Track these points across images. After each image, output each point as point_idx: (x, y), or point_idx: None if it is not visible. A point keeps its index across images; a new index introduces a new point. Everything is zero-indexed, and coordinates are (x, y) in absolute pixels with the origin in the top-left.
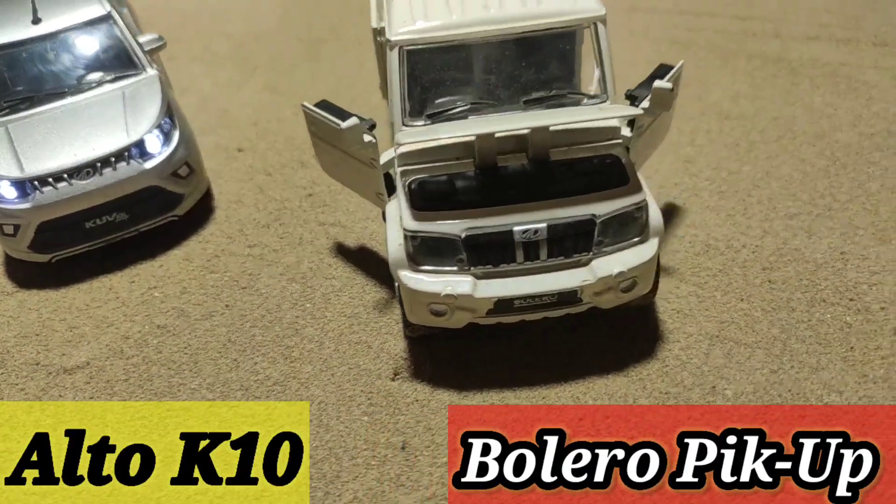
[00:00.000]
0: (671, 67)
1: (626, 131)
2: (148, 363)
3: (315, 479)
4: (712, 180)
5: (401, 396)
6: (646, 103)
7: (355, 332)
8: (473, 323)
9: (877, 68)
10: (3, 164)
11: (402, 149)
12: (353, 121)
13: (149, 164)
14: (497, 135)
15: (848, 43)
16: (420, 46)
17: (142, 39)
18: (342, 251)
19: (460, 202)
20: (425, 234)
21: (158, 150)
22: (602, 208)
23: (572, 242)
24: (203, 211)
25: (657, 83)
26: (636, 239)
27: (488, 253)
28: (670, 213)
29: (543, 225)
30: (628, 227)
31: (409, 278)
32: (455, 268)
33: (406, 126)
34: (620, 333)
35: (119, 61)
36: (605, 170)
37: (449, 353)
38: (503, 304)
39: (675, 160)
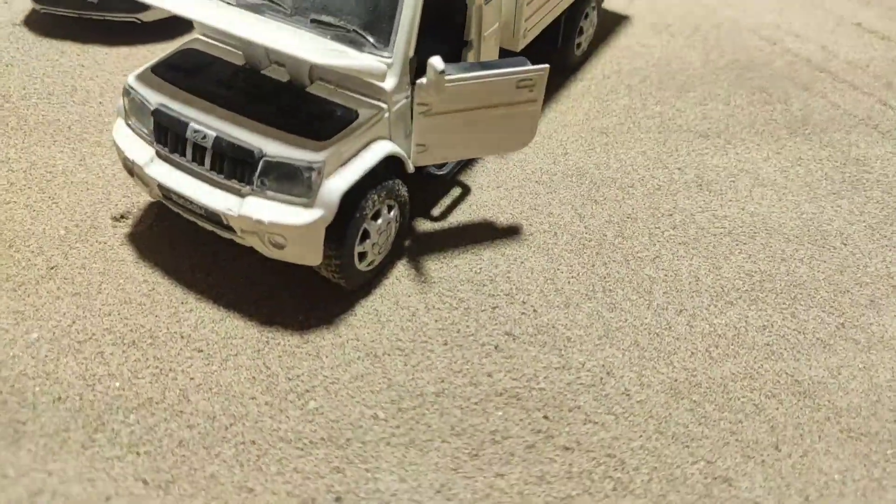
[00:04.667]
0: (521, 63)
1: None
2: (8, 112)
3: None
4: (590, 231)
5: (100, 235)
6: (423, 79)
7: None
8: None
9: None
10: None
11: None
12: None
13: None
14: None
15: None
16: None
17: None
18: None
19: (185, 82)
20: (135, 93)
21: None
22: (272, 148)
23: (233, 166)
24: (177, 28)
25: (432, 59)
26: (300, 199)
27: (167, 136)
28: (505, 233)
29: (213, 133)
30: (293, 181)
31: (117, 127)
32: (146, 136)
33: None
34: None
35: None
36: (326, 119)
37: (175, 220)
38: (166, 192)
39: (585, 193)
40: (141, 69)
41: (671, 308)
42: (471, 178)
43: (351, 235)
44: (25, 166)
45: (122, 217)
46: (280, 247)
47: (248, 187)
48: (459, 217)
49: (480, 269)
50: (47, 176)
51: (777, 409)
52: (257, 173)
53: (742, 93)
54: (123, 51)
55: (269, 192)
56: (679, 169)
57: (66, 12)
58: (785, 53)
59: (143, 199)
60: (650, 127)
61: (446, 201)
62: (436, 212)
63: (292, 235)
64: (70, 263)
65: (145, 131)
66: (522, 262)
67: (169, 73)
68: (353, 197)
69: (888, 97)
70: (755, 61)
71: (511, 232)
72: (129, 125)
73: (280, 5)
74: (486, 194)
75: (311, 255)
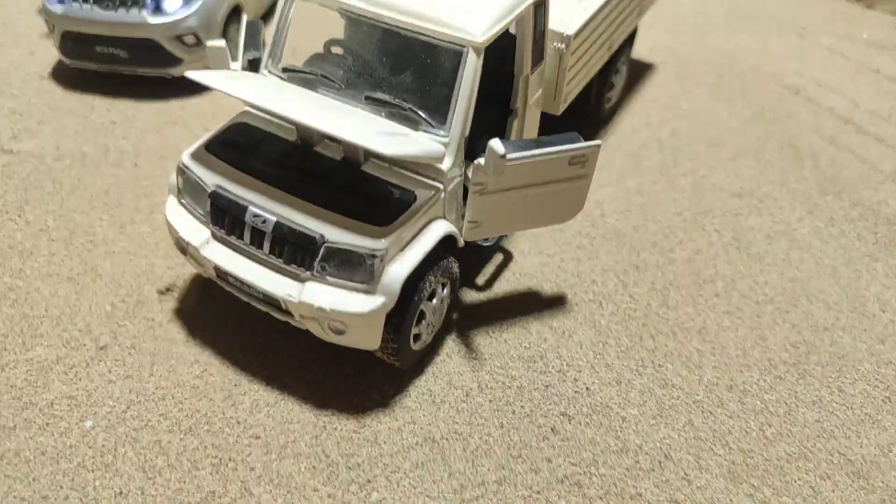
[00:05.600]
0: (575, 139)
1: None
2: (48, 174)
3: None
4: (636, 301)
5: (147, 310)
6: (481, 159)
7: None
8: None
9: None
10: None
11: (192, 75)
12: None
13: (153, 20)
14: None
15: None
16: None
17: None
18: None
19: (240, 160)
20: (190, 173)
21: (172, 11)
22: (334, 234)
23: (294, 251)
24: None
25: (492, 142)
26: (361, 286)
27: (224, 219)
28: (550, 304)
29: (273, 218)
30: (354, 268)
31: (169, 206)
32: (202, 217)
33: (266, 70)
34: (347, 371)
35: None
36: (385, 203)
37: (223, 295)
38: (222, 274)
39: (626, 259)
40: (194, 147)
41: (721, 384)
42: (512, 243)
43: (409, 319)
44: (65, 235)
45: (167, 290)
46: (340, 332)
47: (307, 272)
48: (504, 286)
49: (529, 343)
50: (88, 245)
51: (833, 491)
52: (318, 259)
53: (771, 148)
54: (154, 106)
55: (330, 278)
56: (716, 231)
57: (96, 67)
58: (808, 103)
59: (188, 270)
60: (684, 186)
61: (489, 269)
62: (480, 280)
63: (354, 322)
64: (120, 343)
65: (200, 212)
66: (570, 336)
67: (223, 151)
68: (412, 279)
69: None
70: (780, 113)
71: (556, 302)
72: (182, 204)
73: (334, 81)
74: (528, 261)
75: (370, 340)
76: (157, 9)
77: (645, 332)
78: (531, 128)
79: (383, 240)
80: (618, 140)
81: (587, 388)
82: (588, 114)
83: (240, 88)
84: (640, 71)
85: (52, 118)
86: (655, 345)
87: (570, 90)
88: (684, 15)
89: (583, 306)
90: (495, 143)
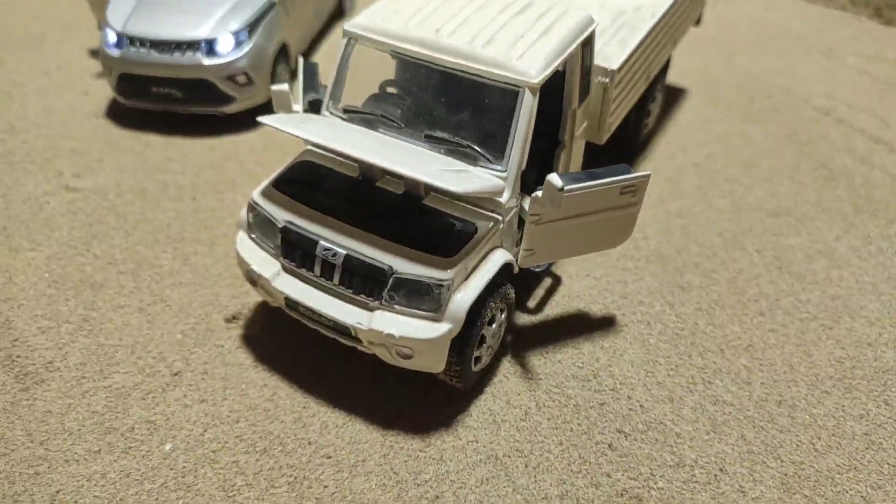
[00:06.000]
0: (627, 171)
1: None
2: (110, 210)
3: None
4: (682, 320)
5: (216, 337)
6: (539, 192)
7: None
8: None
9: None
10: (118, 16)
11: (264, 120)
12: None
13: (207, 62)
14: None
15: None
16: (366, 44)
17: None
18: None
19: (308, 196)
20: (260, 209)
21: (225, 53)
22: (402, 266)
23: (363, 282)
24: (248, 117)
25: (551, 176)
26: (428, 313)
27: (295, 252)
28: (600, 324)
29: (343, 252)
30: (422, 297)
31: (240, 240)
32: (272, 250)
33: (328, 111)
34: (419, 392)
35: None
36: (449, 235)
37: (286, 321)
38: (292, 304)
39: (671, 280)
40: (264, 185)
41: (771, 399)
42: (560, 268)
43: (471, 343)
44: (133, 267)
45: (233, 318)
46: (407, 357)
47: (376, 301)
48: (555, 308)
49: (583, 363)
50: (155, 277)
51: (884, 501)
52: (387, 289)
53: (805, 168)
54: (207, 142)
55: (398, 306)
56: (757, 251)
57: (151, 106)
58: (839, 124)
59: (252, 299)
60: (722, 207)
61: (539, 292)
62: (531, 304)
63: (421, 348)
64: (192, 369)
65: (270, 246)
66: (621, 355)
67: (290, 188)
68: (474, 306)
69: None
70: (812, 134)
71: (606, 323)
72: (252, 238)
73: (394, 121)
74: (577, 283)
75: (436, 364)
76: (211, 51)
77: (693, 351)
78: (576, 157)
79: (450, 271)
80: (655, 165)
81: (641, 406)
82: (626, 140)
83: (310, 131)
84: (673, 95)
85: (110, 156)
86: (704, 362)
87: (613, 120)
88: (712, 37)
89: (632, 326)
90: (554, 178)
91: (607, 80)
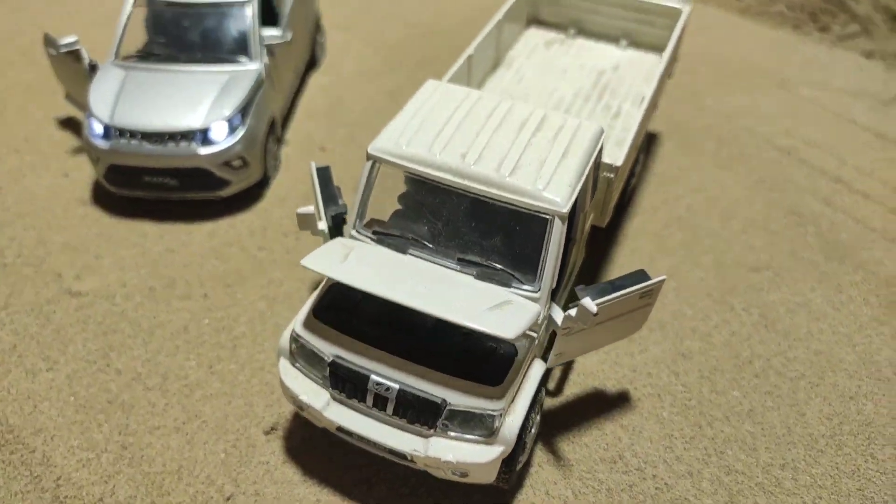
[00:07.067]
0: (645, 278)
1: (558, 316)
2: (122, 316)
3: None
4: (688, 389)
5: (259, 453)
6: (573, 311)
7: (273, 373)
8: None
9: None
10: (102, 107)
11: (307, 263)
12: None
13: (203, 151)
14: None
15: None
16: (391, 168)
17: (265, 33)
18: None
19: (345, 326)
20: (305, 342)
21: (220, 140)
22: (457, 398)
23: (417, 413)
24: (250, 195)
25: (585, 301)
26: (481, 437)
27: (345, 384)
28: (616, 403)
29: (396, 386)
30: (476, 425)
31: (284, 369)
32: (319, 380)
33: (356, 231)
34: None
35: (238, 46)
36: (494, 359)
37: (326, 439)
38: (345, 432)
39: (672, 348)
40: (304, 315)
41: (775, 463)
42: None
43: (518, 452)
44: (159, 381)
45: (272, 429)
46: (463, 476)
47: (431, 430)
48: (573, 388)
49: (607, 445)
50: (184, 391)
51: None
52: (441, 418)
53: (776, 215)
54: (205, 227)
55: (452, 433)
56: (744, 310)
57: (144, 195)
58: (801, 165)
59: (287, 407)
60: (707, 265)
61: (556, 373)
62: (551, 385)
63: (477, 469)
64: (244, 491)
65: (318, 376)
66: (640, 433)
67: (331, 316)
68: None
69: None
70: (778, 177)
71: (621, 399)
72: (296, 367)
73: (426, 244)
74: (588, 360)
75: (488, 477)
76: (206, 139)
77: (703, 420)
78: (582, 242)
79: (501, 401)
80: (641, 221)
81: (665, 484)
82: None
83: (355, 276)
84: (646, 143)
85: (107, 250)
86: (714, 432)
87: (613, 203)
88: (676, 78)
89: (645, 401)
90: (588, 304)
91: (612, 175)
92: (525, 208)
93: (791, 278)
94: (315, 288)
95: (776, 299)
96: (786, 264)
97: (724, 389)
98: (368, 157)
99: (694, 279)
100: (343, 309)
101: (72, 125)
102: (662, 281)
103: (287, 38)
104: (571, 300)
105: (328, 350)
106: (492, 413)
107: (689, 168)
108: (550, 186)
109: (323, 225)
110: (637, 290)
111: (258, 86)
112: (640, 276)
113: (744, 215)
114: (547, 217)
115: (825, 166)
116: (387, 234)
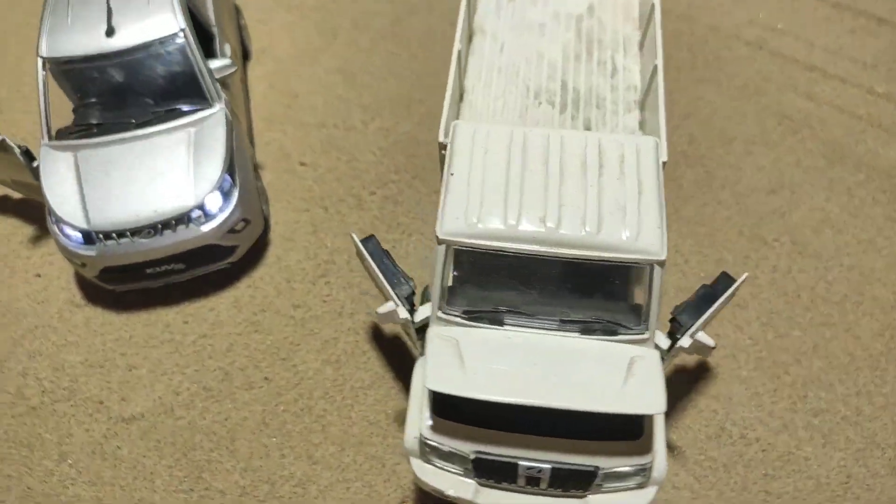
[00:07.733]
0: (731, 281)
1: (663, 342)
2: (193, 429)
3: None
4: (756, 341)
5: None
6: (685, 341)
7: (374, 444)
8: None
9: None
10: (69, 208)
11: (437, 388)
12: None
13: (206, 228)
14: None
15: None
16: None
17: (213, 65)
18: (377, 335)
19: (475, 417)
20: (439, 445)
21: (217, 210)
22: (607, 462)
23: (573, 483)
24: (255, 245)
25: (701, 336)
26: (637, 486)
27: (493, 473)
28: (699, 374)
29: (548, 467)
30: (630, 478)
31: (420, 468)
32: (461, 471)
33: (442, 313)
34: None
35: (188, 90)
36: (622, 417)
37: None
38: None
39: None
40: (426, 419)
41: (851, 392)
42: None
43: None
44: (267, 489)
45: (403, 503)
46: None
47: (586, 492)
48: None
49: (706, 420)
50: (298, 491)
51: None
52: (595, 481)
53: (770, 125)
54: (227, 297)
55: (607, 488)
56: (775, 240)
57: (150, 285)
58: (775, 58)
59: (407, 477)
60: (728, 200)
61: None
62: None
63: None
64: None
65: (460, 470)
66: (730, 399)
67: (454, 413)
68: None
69: (871, 82)
70: (756, 79)
71: (701, 370)
72: (433, 465)
73: (523, 312)
74: None
75: None
76: (203, 215)
77: (779, 370)
78: None
79: (649, 454)
80: None
81: (769, 444)
82: None
83: (491, 390)
84: None
85: (137, 357)
86: (792, 378)
87: None
88: None
89: (722, 365)
90: (705, 339)
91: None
92: (623, 262)
93: (805, 193)
94: (372, 331)
95: (798, 220)
96: (796, 178)
97: (785, 331)
98: (440, 241)
99: (720, 220)
100: (462, 399)
101: (11, 207)
102: (746, 277)
103: (234, 68)
104: None
105: (467, 448)
106: (643, 466)
107: (672, 91)
108: (641, 235)
109: (404, 313)
110: (728, 297)
111: (230, 130)
112: (727, 280)
113: (742, 133)
114: (647, 266)
115: (796, 55)
116: (479, 312)
